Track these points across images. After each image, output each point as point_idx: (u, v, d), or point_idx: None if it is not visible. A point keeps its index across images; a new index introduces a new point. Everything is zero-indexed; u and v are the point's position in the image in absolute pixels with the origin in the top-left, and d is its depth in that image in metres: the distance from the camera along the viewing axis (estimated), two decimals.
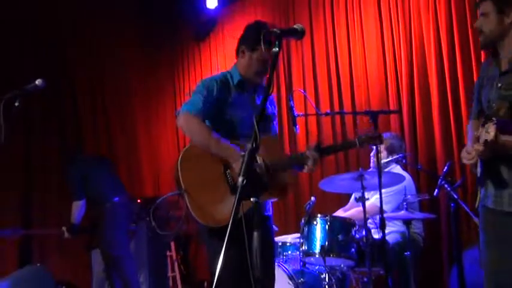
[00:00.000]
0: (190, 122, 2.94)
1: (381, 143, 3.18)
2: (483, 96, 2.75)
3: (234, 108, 3.04)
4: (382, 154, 4.27)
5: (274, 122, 3.25)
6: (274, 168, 2.84)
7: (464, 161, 2.67)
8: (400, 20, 5.06)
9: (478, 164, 2.64)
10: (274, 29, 1.93)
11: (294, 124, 3.80)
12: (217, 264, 2.50)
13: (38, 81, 3.09)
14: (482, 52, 4.55)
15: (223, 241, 2.63)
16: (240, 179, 1.62)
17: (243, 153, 2.77)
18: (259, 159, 2.84)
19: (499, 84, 2.57)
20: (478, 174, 2.66)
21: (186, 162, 2.91)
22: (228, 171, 2.90)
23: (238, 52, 3.16)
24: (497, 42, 2.63)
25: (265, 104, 1.77)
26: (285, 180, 2.92)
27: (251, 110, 3.01)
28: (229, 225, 1.59)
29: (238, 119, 3.04)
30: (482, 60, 4.58)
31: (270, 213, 3.14)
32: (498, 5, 2.55)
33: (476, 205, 2.82)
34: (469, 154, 2.62)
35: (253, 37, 3.01)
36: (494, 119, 2.43)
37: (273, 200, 3.10)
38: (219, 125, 3.01)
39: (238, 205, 1.59)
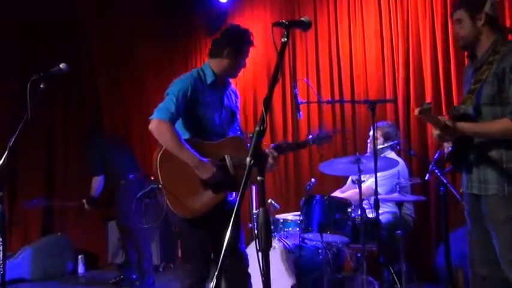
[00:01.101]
0: (161, 129, 2.95)
1: (330, 141, 3.29)
2: (463, 94, 2.83)
3: (205, 106, 3.05)
4: (378, 141, 4.26)
5: (237, 116, 3.31)
6: (240, 165, 2.94)
7: (445, 150, 2.79)
8: (398, 16, 5.04)
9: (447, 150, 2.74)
10: (283, 21, 1.92)
11: (298, 110, 3.80)
12: (190, 244, 2.94)
13: (62, 65, 3.09)
14: None
15: (200, 229, 2.95)
16: (248, 159, 1.62)
17: (204, 160, 2.90)
18: (227, 158, 2.97)
19: (472, 80, 2.66)
20: (445, 156, 2.77)
21: (163, 159, 2.98)
22: None
23: (217, 52, 3.13)
24: (474, 44, 2.71)
25: (273, 90, 1.76)
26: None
27: (219, 108, 3.11)
28: (236, 205, 1.58)
29: (209, 116, 3.07)
30: None
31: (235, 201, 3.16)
32: (469, 11, 2.66)
33: (460, 190, 2.88)
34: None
35: (240, 39, 3.10)
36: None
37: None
38: (191, 122, 3.07)
39: (246, 184, 1.59)
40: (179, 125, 3.06)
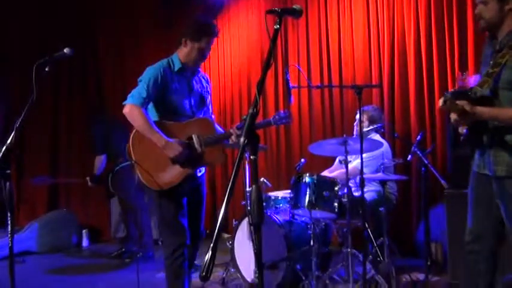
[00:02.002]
0: (133, 113, 3.10)
1: (290, 122, 3.35)
2: (481, 73, 2.73)
3: (174, 92, 3.18)
4: (364, 123, 4.26)
5: (207, 100, 3.42)
6: (207, 143, 3.11)
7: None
8: (384, 6, 5.04)
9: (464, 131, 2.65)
10: (276, 8, 1.90)
11: (289, 95, 3.78)
12: (166, 215, 3.13)
13: (66, 50, 3.04)
14: (455, 38, 4.54)
15: (173, 200, 3.13)
16: (242, 139, 1.62)
17: (170, 140, 3.05)
18: (194, 137, 3.11)
19: (491, 62, 2.56)
20: (461, 138, 2.67)
21: (136, 139, 3.14)
22: None
23: (179, 42, 3.25)
24: (497, 27, 2.61)
25: (266, 74, 1.75)
26: (216, 152, 3.19)
27: (188, 94, 3.24)
28: (230, 183, 1.58)
29: (178, 101, 3.20)
30: (456, 45, 4.57)
31: (203, 176, 3.42)
32: None
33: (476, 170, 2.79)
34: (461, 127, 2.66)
35: (197, 30, 3.20)
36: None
37: (205, 167, 3.35)
38: (162, 107, 3.20)
39: (240, 162, 1.59)
40: (151, 108, 3.20)
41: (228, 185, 1.57)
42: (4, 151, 2.77)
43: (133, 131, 3.15)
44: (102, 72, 7.08)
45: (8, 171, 2.78)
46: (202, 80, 3.41)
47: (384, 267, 3.75)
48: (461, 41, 4.56)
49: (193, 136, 3.13)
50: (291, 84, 3.74)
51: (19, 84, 6.39)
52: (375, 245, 3.81)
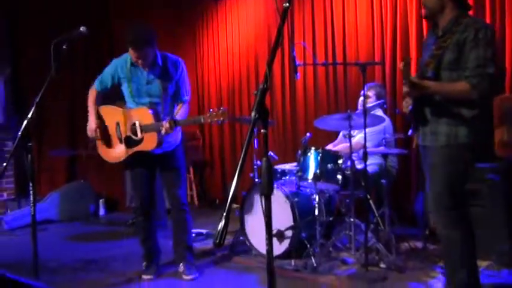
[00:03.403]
0: (89, 92, 3.70)
1: (224, 120, 3.30)
2: (422, 60, 2.86)
3: (130, 82, 3.50)
4: (370, 99, 4.23)
5: (169, 88, 3.51)
6: (145, 130, 3.42)
7: (404, 109, 2.83)
8: None
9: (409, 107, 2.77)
10: None
11: (295, 72, 3.76)
12: (130, 180, 4.13)
13: (82, 28, 3.04)
14: None
15: (133, 171, 3.66)
16: (253, 113, 1.61)
17: (93, 126, 3.61)
18: (136, 124, 3.43)
19: (433, 47, 2.67)
20: (407, 112, 2.79)
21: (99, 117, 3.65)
22: (118, 126, 3.58)
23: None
24: (437, 15, 2.71)
25: (276, 51, 1.73)
26: (152, 138, 3.42)
27: (144, 83, 3.48)
28: (242, 157, 1.57)
29: (134, 89, 3.51)
30: None
31: (172, 147, 3.60)
32: None
33: (414, 145, 2.94)
34: (406, 103, 2.79)
35: (126, 41, 3.41)
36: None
37: (149, 149, 3.48)
38: (124, 93, 3.58)
39: (251, 136, 1.58)
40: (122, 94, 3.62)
41: (240, 158, 1.56)
42: (25, 125, 2.78)
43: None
44: (116, 52, 7.01)
45: (30, 144, 2.79)
46: (168, 68, 3.53)
47: (385, 236, 3.77)
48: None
49: (136, 122, 3.45)
50: (297, 62, 3.71)
51: (38, 62, 6.36)
52: (376, 215, 3.82)
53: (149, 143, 3.44)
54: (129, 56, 3.46)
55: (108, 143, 3.64)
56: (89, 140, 3.84)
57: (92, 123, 3.63)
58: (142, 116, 3.44)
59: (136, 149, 3.49)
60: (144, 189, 3.63)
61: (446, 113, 2.62)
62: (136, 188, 3.68)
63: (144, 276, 3.62)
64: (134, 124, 3.47)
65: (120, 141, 3.56)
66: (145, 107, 3.46)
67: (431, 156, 2.71)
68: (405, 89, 2.61)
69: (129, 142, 3.51)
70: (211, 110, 3.28)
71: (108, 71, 3.60)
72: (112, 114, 3.62)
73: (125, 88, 3.56)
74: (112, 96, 3.76)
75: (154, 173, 3.67)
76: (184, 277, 3.57)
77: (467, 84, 2.51)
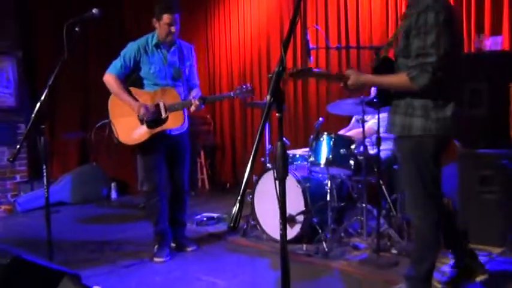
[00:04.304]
0: (108, 80, 3.65)
1: (253, 95, 3.71)
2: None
3: (150, 64, 3.62)
4: None
5: (184, 71, 3.71)
6: (170, 109, 3.56)
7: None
8: None
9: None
10: None
11: (309, 56, 3.71)
12: (144, 164, 3.73)
13: (94, 10, 3.02)
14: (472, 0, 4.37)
15: (148, 153, 3.67)
16: (268, 97, 1.58)
17: (143, 107, 3.54)
18: (160, 104, 3.56)
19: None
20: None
21: (113, 102, 3.69)
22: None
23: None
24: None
25: (291, 34, 1.69)
26: (178, 117, 3.60)
27: (163, 65, 3.64)
28: (256, 142, 1.56)
29: (152, 71, 3.63)
30: (472, 7, 4.39)
31: (184, 137, 3.78)
32: None
33: None
34: None
35: (158, 10, 3.57)
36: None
37: (174, 128, 3.65)
38: (143, 75, 3.66)
39: (266, 120, 1.56)
40: (134, 77, 3.68)
41: (255, 142, 1.54)
42: (38, 107, 2.78)
43: (111, 95, 3.68)
44: (127, 37, 7.00)
45: (43, 127, 2.79)
46: (183, 52, 3.73)
47: (397, 222, 3.75)
48: (478, 3, 4.36)
49: (159, 103, 3.57)
50: (310, 45, 3.66)
51: (51, 44, 6.36)
52: (389, 200, 3.80)
53: (175, 121, 3.58)
54: (150, 36, 3.65)
55: (128, 126, 3.65)
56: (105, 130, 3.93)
57: (135, 103, 3.58)
58: (169, 95, 3.58)
59: (159, 128, 3.58)
60: (161, 171, 3.69)
61: (400, 103, 2.50)
62: (152, 171, 3.69)
63: (156, 259, 3.65)
64: (158, 105, 3.58)
65: (142, 123, 3.61)
66: (170, 87, 3.62)
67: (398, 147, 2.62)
68: (341, 84, 2.57)
69: (151, 122, 3.59)
70: (238, 87, 3.58)
71: (128, 52, 3.63)
72: (138, 96, 3.67)
73: (145, 69, 3.64)
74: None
75: (168, 155, 3.74)
76: (188, 249, 3.87)
77: (406, 77, 2.36)
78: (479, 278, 2.78)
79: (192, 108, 3.50)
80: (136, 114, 3.59)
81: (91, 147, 6.99)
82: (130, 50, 3.65)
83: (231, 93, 3.63)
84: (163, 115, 3.56)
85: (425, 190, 2.49)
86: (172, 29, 3.57)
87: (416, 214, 2.55)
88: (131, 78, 3.72)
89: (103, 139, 5.58)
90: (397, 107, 2.52)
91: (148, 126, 3.60)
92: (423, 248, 2.57)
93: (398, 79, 2.43)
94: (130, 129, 3.64)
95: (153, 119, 3.58)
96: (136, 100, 3.61)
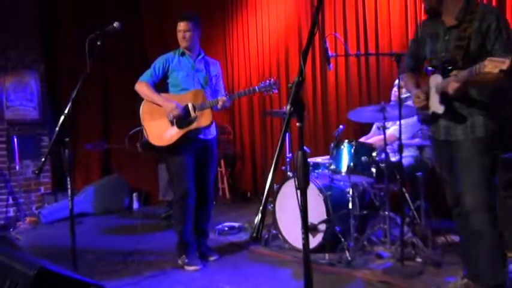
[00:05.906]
0: (140, 86, 3.84)
1: (276, 89, 3.72)
2: (427, 50, 2.82)
3: (179, 70, 3.81)
4: (403, 90, 4.14)
5: (212, 81, 3.89)
6: (199, 109, 3.69)
7: (417, 104, 2.82)
8: None
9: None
10: None
11: (328, 63, 3.73)
12: (174, 169, 3.78)
13: (115, 24, 3.10)
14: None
15: (177, 156, 3.73)
16: (288, 106, 1.60)
17: (173, 103, 3.68)
18: (189, 105, 3.70)
19: (447, 37, 2.68)
20: (441, 111, 2.71)
21: (145, 108, 3.82)
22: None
23: None
24: (439, 7, 2.71)
25: (310, 43, 1.70)
26: (206, 115, 3.72)
27: (191, 71, 3.82)
28: (277, 151, 1.57)
29: (180, 76, 3.81)
30: None
31: (212, 142, 3.89)
32: None
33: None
34: (419, 98, 2.78)
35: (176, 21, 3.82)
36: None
37: (204, 126, 3.75)
38: (171, 82, 3.85)
39: (286, 129, 1.57)
40: (164, 86, 3.87)
41: (276, 151, 1.55)
42: (62, 121, 2.84)
43: (143, 101, 3.81)
44: (147, 50, 7.14)
45: (67, 139, 2.85)
46: (209, 64, 3.93)
47: (421, 230, 3.71)
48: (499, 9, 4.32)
49: (188, 104, 3.71)
50: (330, 53, 3.67)
51: (71, 56, 6.48)
52: (412, 208, 3.76)
53: (204, 119, 3.71)
54: (177, 50, 3.88)
55: (159, 128, 3.75)
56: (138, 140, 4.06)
57: (167, 103, 3.71)
58: (196, 96, 3.74)
59: (189, 128, 3.69)
60: (189, 178, 3.73)
61: (475, 105, 2.62)
62: (181, 176, 3.72)
63: (189, 267, 3.70)
64: (186, 106, 3.71)
65: (172, 124, 3.72)
66: (199, 89, 3.78)
67: (464, 150, 2.67)
68: (455, 85, 2.52)
69: (181, 123, 3.71)
70: (262, 81, 3.72)
71: (158, 63, 3.86)
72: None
73: (174, 76, 3.82)
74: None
75: (197, 160, 3.80)
76: (210, 259, 3.93)
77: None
78: None
79: (220, 103, 3.62)
80: (166, 117, 3.71)
81: (113, 158, 7.09)
82: (159, 60, 3.86)
83: (256, 88, 3.71)
84: (193, 115, 3.68)
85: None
86: (186, 35, 3.76)
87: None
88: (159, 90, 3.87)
89: (134, 147, 5.63)
90: (470, 108, 2.62)
91: (179, 127, 3.70)
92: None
93: (493, 75, 2.31)
94: (162, 131, 3.73)
95: (183, 118, 3.69)
96: (151, 106, 3.77)
